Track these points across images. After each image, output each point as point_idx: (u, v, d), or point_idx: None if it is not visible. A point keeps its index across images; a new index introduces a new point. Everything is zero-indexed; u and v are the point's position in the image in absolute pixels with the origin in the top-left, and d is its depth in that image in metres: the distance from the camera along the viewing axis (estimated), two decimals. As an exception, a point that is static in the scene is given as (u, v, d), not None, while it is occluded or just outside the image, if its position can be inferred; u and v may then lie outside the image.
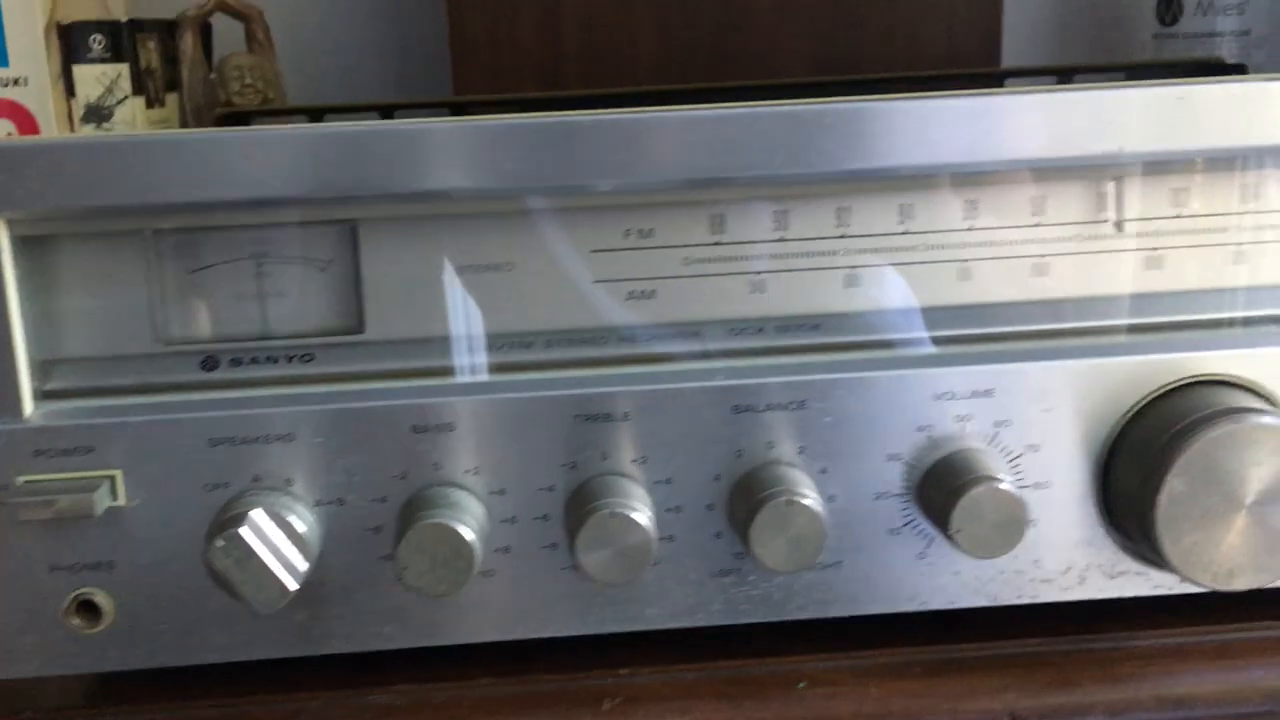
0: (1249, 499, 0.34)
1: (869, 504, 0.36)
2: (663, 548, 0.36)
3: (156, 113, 0.74)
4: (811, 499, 0.34)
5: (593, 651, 0.37)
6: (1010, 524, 0.34)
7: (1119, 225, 0.37)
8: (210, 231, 0.35)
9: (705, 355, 0.36)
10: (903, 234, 0.37)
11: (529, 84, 0.75)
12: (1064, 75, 0.66)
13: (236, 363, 0.35)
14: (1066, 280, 0.37)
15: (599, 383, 0.35)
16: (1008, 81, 0.71)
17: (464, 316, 0.36)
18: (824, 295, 0.37)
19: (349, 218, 0.35)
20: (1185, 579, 0.35)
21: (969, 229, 0.37)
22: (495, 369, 0.36)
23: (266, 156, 0.33)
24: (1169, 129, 0.35)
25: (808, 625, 0.38)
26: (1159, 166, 0.36)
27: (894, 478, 0.36)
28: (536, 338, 0.36)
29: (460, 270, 0.36)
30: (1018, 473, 0.36)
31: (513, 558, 0.36)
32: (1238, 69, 0.65)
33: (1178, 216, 0.37)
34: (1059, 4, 0.87)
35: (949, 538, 0.34)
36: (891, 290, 0.37)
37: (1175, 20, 0.80)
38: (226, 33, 0.76)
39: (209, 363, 0.35)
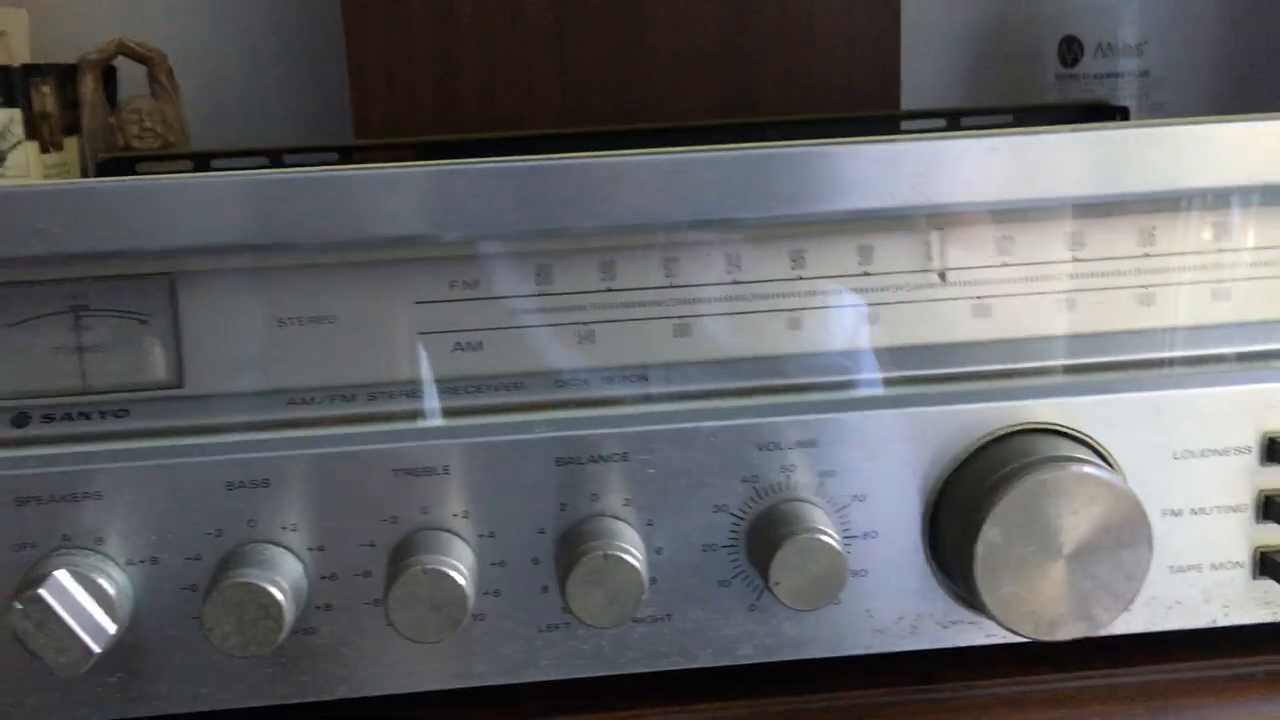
0: (1066, 549, 0.34)
1: (698, 556, 0.36)
2: (487, 603, 0.36)
3: (53, 157, 0.73)
4: (630, 552, 0.34)
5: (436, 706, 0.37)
6: (829, 576, 0.34)
7: (943, 275, 0.37)
8: (26, 285, 0.34)
9: (530, 407, 0.36)
10: (732, 284, 0.37)
11: (428, 125, 0.75)
12: (952, 118, 0.67)
13: (48, 419, 0.35)
14: (893, 329, 0.37)
15: (421, 436, 0.35)
16: (903, 124, 0.72)
17: (285, 370, 0.36)
18: (652, 345, 0.37)
19: (167, 271, 0.35)
20: (1007, 629, 0.35)
21: (797, 278, 0.37)
22: (316, 423, 0.36)
23: (75, 210, 0.33)
24: (1001, 180, 0.35)
25: (640, 679, 0.37)
26: (984, 216, 0.37)
27: (722, 529, 0.36)
28: (359, 390, 0.36)
29: (281, 323, 0.35)
30: (845, 523, 0.36)
31: (333, 614, 0.35)
32: (1122, 112, 0.66)
33: (1004, 265, 0.37)
34: (968, 44, 0.88)
35: (769, 590, 0.34)
36: (720, 339, 0.37)
37: (1076, 61, 0.81)
38: (136, 75, 0.76)
39: (20, 419, 0.35)
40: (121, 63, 0.76)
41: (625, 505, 0.35)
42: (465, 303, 0.36)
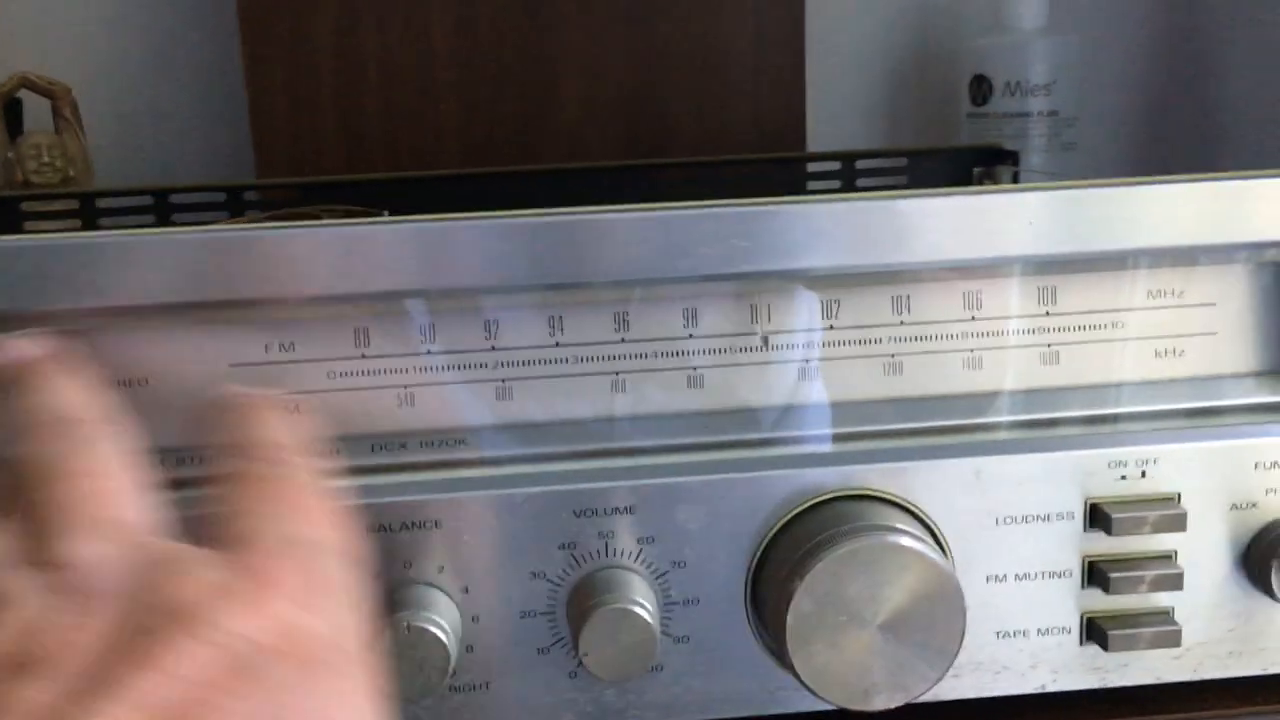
0: (878, 618, 0.34)
1: (515, 623, 0.36)
2: (300, 671, 0.35)
3: (-45, 191, 0.72)
4: (436, 621, 0.33)
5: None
6: (637, 646, 0.34)
7: (766, 339, 0.37)
8: None
9: (346, 472, 0.36)
10: (555, 346, 0.36)
11: (331, 161, 0.75)
12: (848, 161, 0.67)
13: None
14: (717, 392, 0.37)
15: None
16: (810, 166, 0.72)
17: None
18: (472, 408, 0.36)
19: (-27, 334, 0.34)
20: (822, 699, 0.34)
21: (621, 341, 0.36)
22: (128, 488, 0.35)
23: None
24: (835, 245, 0.35)
25: (462, 746, 0.37)
26: (814, 281, 0.36)
27: (540, 596, 0.35)
28: (169, 454, 0.35)
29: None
30: (665, 589, 0.36)
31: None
32: (1011, 156, 0.66)
33: (830, 328, 0.37)
34: (888, 81, 0.88)
35: (580, 661, 0.34)
36: (540, 403, 0.36)
37: (986, 100, 0.81)
38: (43, 109, 0.75)
39: None
40: (28, 97, 0.75)
41: (440, 572, 0.35)
42: (282, 365, 0.36)
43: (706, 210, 0.34)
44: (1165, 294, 0.38)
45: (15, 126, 0.76)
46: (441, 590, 0.35)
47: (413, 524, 0.35)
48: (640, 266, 0.34)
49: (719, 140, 0.78)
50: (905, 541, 0.34)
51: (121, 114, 0.81)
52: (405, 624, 0.33)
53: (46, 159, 0.75)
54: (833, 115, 0.85)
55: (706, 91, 0.77)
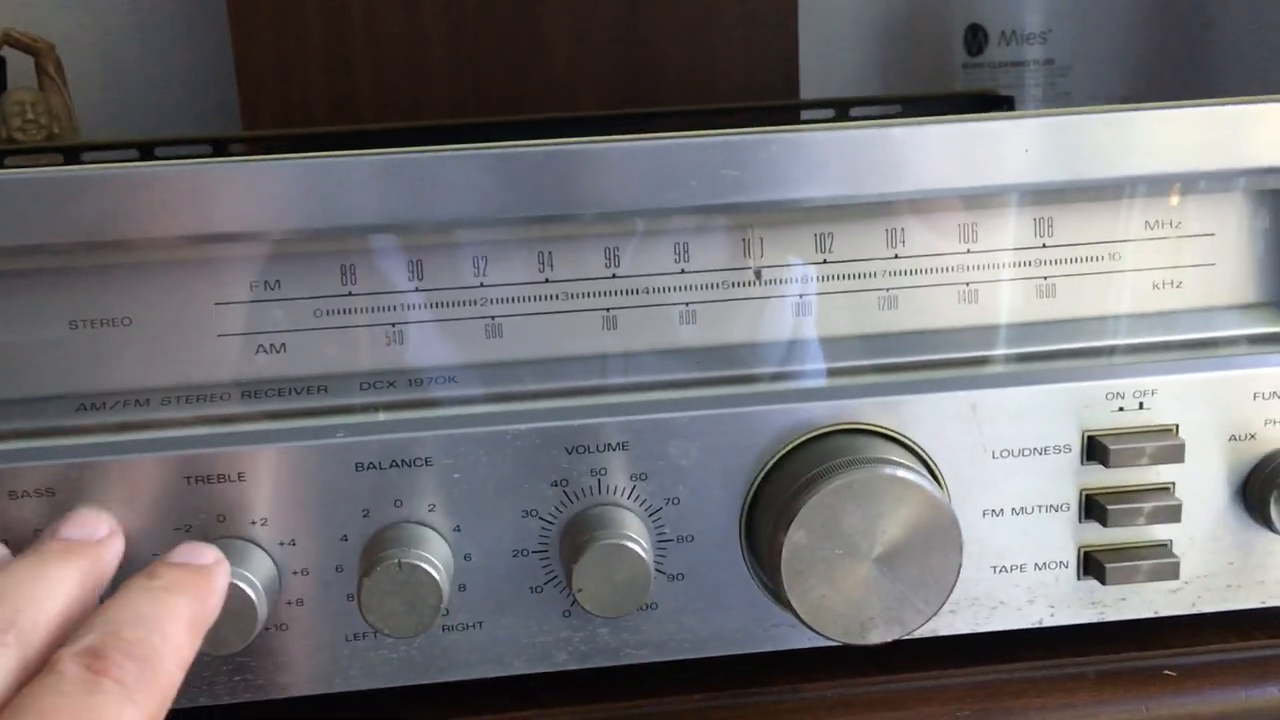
0: (873, 552, 0.33)
1: (508, 562, 0.35)
2: (291, 612, 0.35)
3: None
4: (428, 559, 0.33)
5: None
6: (631, 582, 0.33)
7: (758, 273, 0.36)
8: None
9: (333, 411, 0.35)
10: (545, 283, 0.36)
11: (319, 116, 0.74)
12: (841, 108, 0.66)
13: None
14: (709, 328, 0.36)
15: (218, 441, 0.34)
16: (804, 114, 0.71)
17: (82, 374, 0.35)
18: (462, 346, 0.36)
19: (-49, 273, 0.34)
20: (818, 634, 0.34)
21: (612, 277, 0.36)
22: (113, 429, 0.35)
23: None
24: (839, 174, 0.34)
25: (457, 688, 0.36)
26: (807, 214, 0.36)
27: (532, 534, 0.35)
28: (154, 394, 0.35)
29: (74, 325, 0.34)
30: (659, 527, 0.35)
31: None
32: (1007, 101, 0.65)
33: (823, 262, 0.37)
34: (880, 31, 0.87)
35: (574, 597, 0.33)
36: (530, 341, 0.36)
37: (981, 50, 0.80)
38: (28, 66, 0.74)
39: None
40: (11, 54, 0.74)
41: (431, 511, 0.35)
42: (267, 304, 0.35)
43: (696, 139, 0.34)
44: (1163, 225, 0.37)
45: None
46: (433, 529, 0.35)
47: (403, 462, 0.34)
48: (629, 197, 0.34)
49: (709, 91, 0.77)
50: (901, 473, 0.33)
51: (107, 71, 0.80)
52: (397, 561, 0.33)
53: (31, 116, 0.74)
54: (825, 68, 0.84)
55: (697, 42, 0.76)
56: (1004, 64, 0.80)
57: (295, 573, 0.35)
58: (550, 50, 0.75)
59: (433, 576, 0.33)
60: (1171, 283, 0.38)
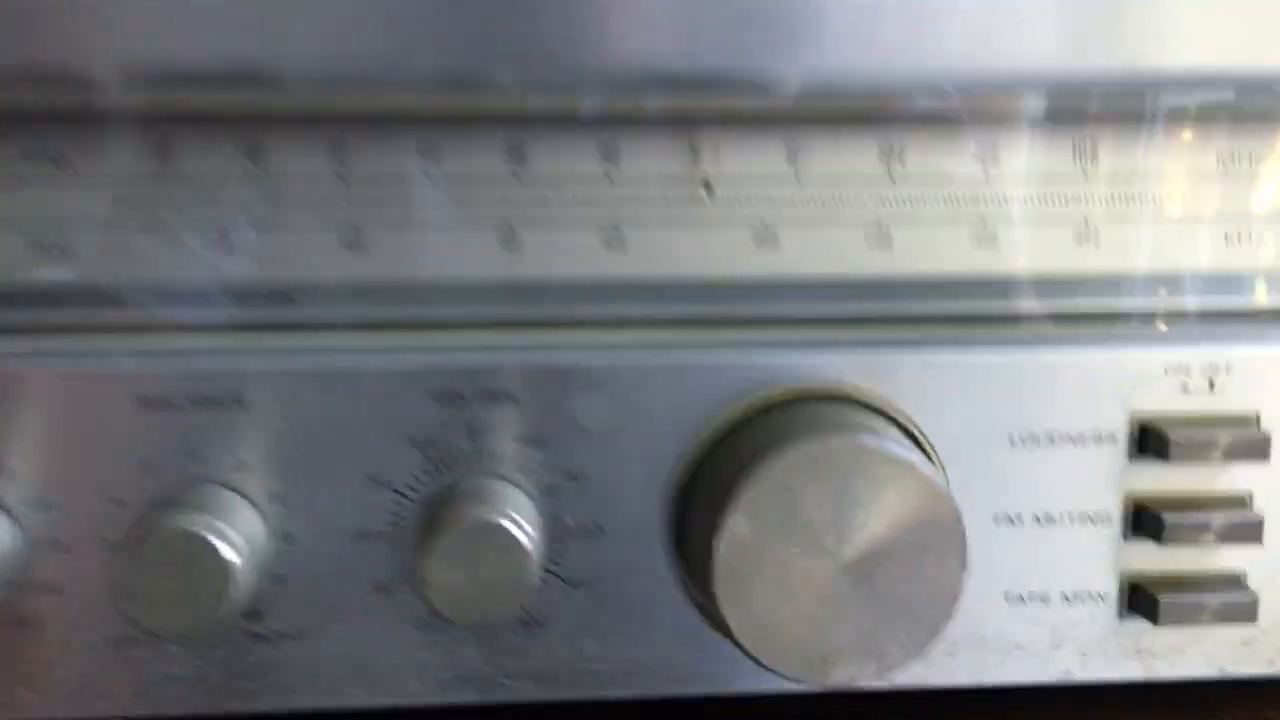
0: (845, 554, 0.24)
1: (345, 547, 0.26)
2: (40, 603, 0.25)
3: None
4: (217, 529, 0.24)
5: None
6: (505, 578, 0.24)
7: (709, 186, 0.27)
8: None
9: (116, 329, 0.26)
10: (425, 179, 0.27)
11: None
12: None
13: None
14: (641, 255, 0.27)
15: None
16: None
17: None
18: (309, 257, 0.27)
19: None
20: (763, 666, 0.25)
21: (513, 177, 0.27)
22: None
23: None
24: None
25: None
26: (775, 112, 0.27)
27: (381, 511, 0.26)
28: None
29: None
30: (554, 511, 0.26)
31: None
32: None
33: (796, 179, 0.28)
34: None
35: (421, 595, 0.24)
36: (399, 256, 0.27)
37: None
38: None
39: None
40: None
41: (240, 470, 0.25)
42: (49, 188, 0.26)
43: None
44: (1242, 160, 0.29)
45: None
46: (240, 494, 0.25)
47: (206, 400, 0.25)
48: (542, 61, 0.25)
49: None
50: (887, 447, 0.24)
51: None
52: (170, 527, 0.23)
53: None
54: None
55: None
56: None
57: (49, 547, 0.25)
58: None
59: (216, 550, 0.23)
60: (1249, 235, 0.29)
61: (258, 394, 0.25)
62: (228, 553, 0.23)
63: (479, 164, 0.27)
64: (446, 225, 0.27)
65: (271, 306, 0.27)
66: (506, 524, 0.24)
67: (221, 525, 0.24)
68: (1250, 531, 0.27)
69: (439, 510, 0.25)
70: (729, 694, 0.27)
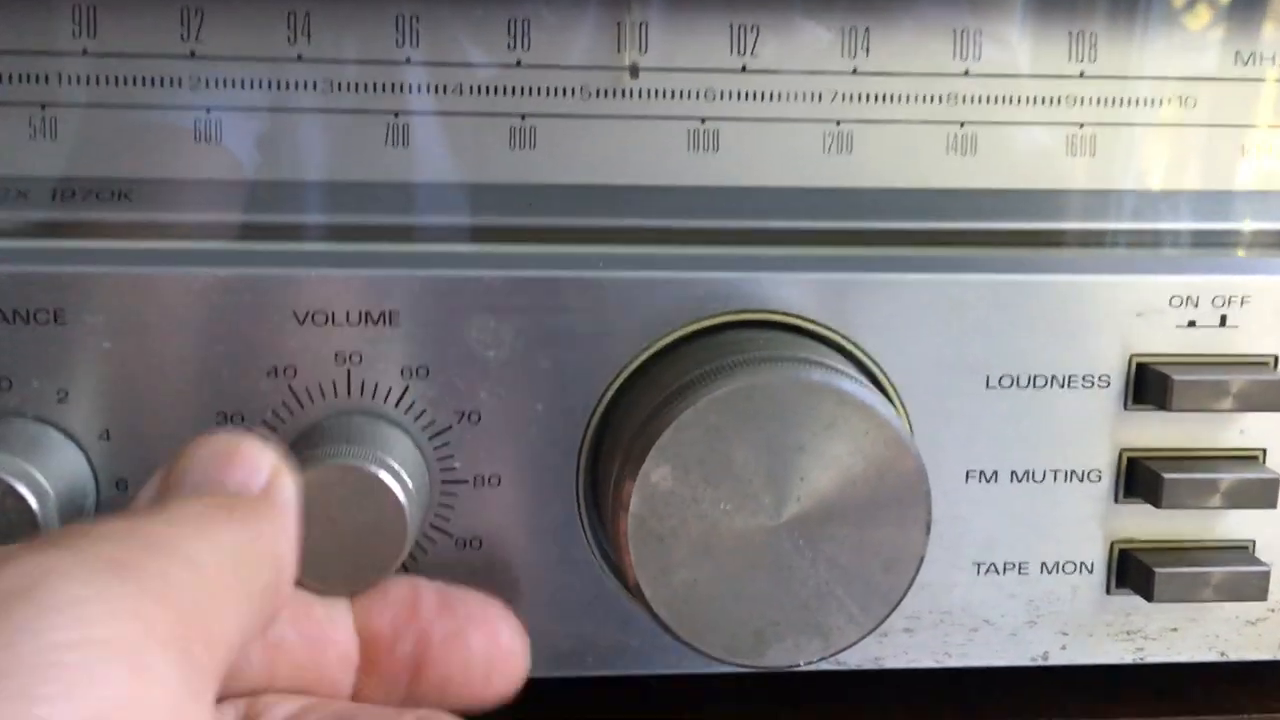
0: (785, 509, 0.20)
1: (192, 496, 0.22)
2: None
3: None
4: (26, 474, 0.19)
5: None
6: (376, 536, 0.20)
7: (635, 71, 0.23)
8: None
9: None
10: (297, 61, 0.23)
11: None
12: None
13: None
14: (554, 154, 0.23)
15: None
16: None
17: None
18: (156, 147, 0.23)
19: None
20: (688, 645, 0.21)
21: (405, 62, 0.23)
22: None
23: None
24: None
25: None
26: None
27: (234, 453, 0.22)
28: None
29: None
30: (444, 458, 0.22)
31: None
32: None
33: (742, 70, 0.23)
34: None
35: (275, 555, 0.20)
36: (266, 148, 0.23)
37: None
38: None
39: None
40: None
41: (62, 401, 0.21)
42: None
43: None
44: (1261, 60, 0.25)
45: None
46: (62, 430, 0.21)
47: (26, 315, 0.21)
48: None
49: None
50: (837, 383, 0.20)
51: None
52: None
53: None
54: None
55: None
56: None
57: None
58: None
59: (27, 501, 0.19)
60: (1267, 148, 0.25)
61: (79, 305, 0.21)
62: (36, 503, 0.19)
63: (362, 45, 0.23)
64: (322, 110, 0.23)
65: (104, 205, 0.22)
66: (377, 470, 0.20)
67: (34, 471, 0.20)
68: (1263, 493, 0.23)
69: (303, 454, 0.21)
70: (648, 675, 0.23)
